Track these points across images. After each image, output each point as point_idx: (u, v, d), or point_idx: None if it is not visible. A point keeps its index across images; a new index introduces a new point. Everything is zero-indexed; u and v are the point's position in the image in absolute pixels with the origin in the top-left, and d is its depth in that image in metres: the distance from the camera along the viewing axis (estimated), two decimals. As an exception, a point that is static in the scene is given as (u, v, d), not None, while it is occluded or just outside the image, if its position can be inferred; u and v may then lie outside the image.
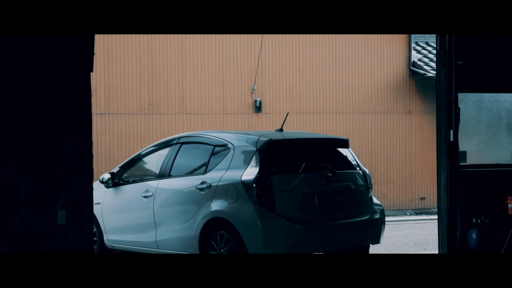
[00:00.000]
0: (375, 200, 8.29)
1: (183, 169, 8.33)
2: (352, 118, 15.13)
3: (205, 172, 7.94)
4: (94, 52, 6.41)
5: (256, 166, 7.43)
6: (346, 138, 8.41)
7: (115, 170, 9.14)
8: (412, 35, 15.69)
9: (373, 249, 10.44)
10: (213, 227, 7.59)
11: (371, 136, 15.29)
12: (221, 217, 7.49)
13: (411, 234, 12.32)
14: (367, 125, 15.26)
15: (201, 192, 7.79)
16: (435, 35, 8.84)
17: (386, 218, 14.56)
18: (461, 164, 8.20)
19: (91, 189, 6.30)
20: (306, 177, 7.62)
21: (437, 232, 8.41)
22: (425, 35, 16.67)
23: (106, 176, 9.05)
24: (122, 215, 8.91)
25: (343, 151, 8.29)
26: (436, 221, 8.47)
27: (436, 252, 9.09)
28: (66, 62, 6.24)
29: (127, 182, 8.94)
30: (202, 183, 7.83)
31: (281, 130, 8.49)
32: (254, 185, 7.31)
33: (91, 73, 6.35)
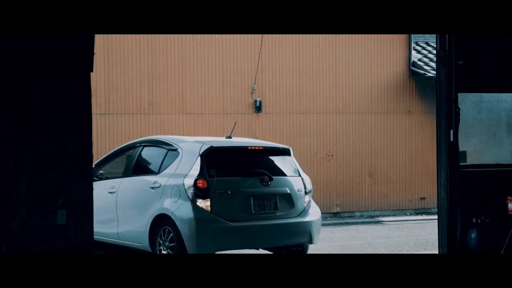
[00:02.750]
0: (314, 204, 9.14)
1: (141, 169, 9.35)
2: (352, 118, 15.13)
3: (158, 172, 8.88)
4: (94, 52, 6.41)
5: (197, 169, 8.33)
6: (288, 147, 9.28)
7: None
8: (412, 35, 15.68)
9: (373, 249, 10.45)
10: (160, 222, 8.50)
11: (371, 136, 15.29)
12: (165, 213, 8.40)
13: (411, 234, 12.32)
14: (367, 125, 15.26)
15: (153, 191, 8.71)
16: (435, 35, 8.83)
17: (386, 218, 14.67)
18: (461, 164, 8.19)
19: (91, 189, 6.30)
20: (243, 180, 8.55)
21: (437, 232, 8.40)
22: (425, 35, 16.66)
23: None
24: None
25: (284, 158, 9.15)
26: (436, 221, 8.47)
27: (436, 252, 9.09)
28: (66, 62, 6.24)
29: (101, 179, 9.89)
30: (154, 182, 8.75)
31: (229, 137, 9.38)
32: (193, 186, 8.22)
33: (91, 73, 6.35)
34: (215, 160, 8.50)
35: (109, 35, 13.28)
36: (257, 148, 9.13)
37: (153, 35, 13.57)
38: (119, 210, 9.31)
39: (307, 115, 14.79)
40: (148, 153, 9.43)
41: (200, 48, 14.01)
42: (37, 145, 6.09)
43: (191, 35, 13.83)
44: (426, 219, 14.48)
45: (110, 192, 9.48)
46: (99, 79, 13.23)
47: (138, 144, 9.61)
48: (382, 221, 14.48)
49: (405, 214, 15.39)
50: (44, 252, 5.91)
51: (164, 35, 13.64)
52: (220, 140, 9.23)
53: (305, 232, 8.78)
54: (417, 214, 15.49)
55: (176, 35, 13.74)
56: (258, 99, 14.35)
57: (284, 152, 9.21)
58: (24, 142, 6.05)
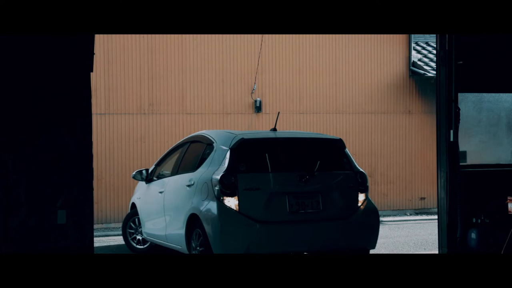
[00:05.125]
0: (370, 204, 7.96)
1: (184, 167, 8.62)
2: (352, 118, 15.13)
3: (195, 169, 8.13)
4: (94, 52, 6.41)
5: (226, 164, 7.51)
6: (338, 138, 8.18)
7: (152, 167, 9.70)
8: (412, 35, 15.68)
9: (373, 249, 10.44)
10: (192, 223, 7.77)
11: (371, 136, 15.29)
12: (195, 213, 7.67)
13: (411, 234, 12.32)
14: (367, 125, 15.26)
15: (188, 189, 8.01)
16: (435, 35, 8.84)
17: (386, 218, 14.67)
18: (461, 164, 8.20)
19: (91, 189, 6.30)
20: (276, 176, 7.54)
21: (437, 232, 8.41)
22: (425, 35, 16.66)
23: (144, 172, 9.66)
24: (149, 208, 9.45)
25: (334, 151, 8.08)
26: (436, 221, 8.47)
27: (436, 252, 9.09)
28: (66, 62, 6.24)
29: (159, 178, 9.34)
30: (190, 180, 8.04)
31: (274, 129, 8.42)
32: (219, 183, 7.37)
33: (91, 73, 6.35)
34: (246, 154, 7.61)
35: (109, 35, 13.28)
36: (297, 140, 8.14)
37: (153, 35, 13.57)
38: (165, 210, 8.73)
39: (307, 115, 14.79)
40: (191, 150, 8.77)
41: (200, 48, 14.01)
42: (37, 145, 6.09)
43: (191, 35, 13.84)
44: (426, 219, 14.48)
45: (160, 192, 8.95)
46: (99, 79, 13.22)
47: (187, 141, 9.04)
48: (382, 221, 14.47)
49: (405, 214, 15.38)
50: (44, 252, 5.91)
51: (164, 35, 13.65)
52: (256, 132, 8.41)
53: (357, 236, 7.72)
54: (417, 214, 15.49)
55: (176, 35, 13.74)
56: (258, 99, 14.35)
57: (334, 144, 8.09)
58: (24, 142, 6.05)
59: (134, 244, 10.02)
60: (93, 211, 6.39)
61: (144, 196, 9.68)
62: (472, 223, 8.10)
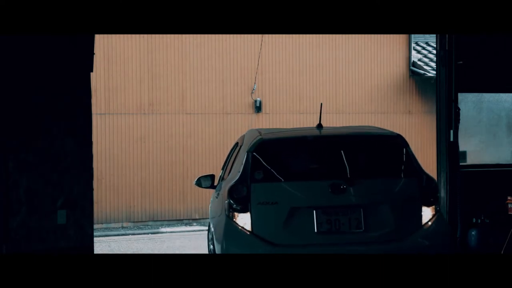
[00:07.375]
0: (440, 221, 6.04)
1: (226, 173, 7.12)
2: (352, 118, 15.13)
3: (227, 176, 6.74)
4: (94, 52, 6.42)
5: (240, 172, 6.02)
6: (395, 135, 6.48)
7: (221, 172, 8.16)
8: (412, 35, 15.69)
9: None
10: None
11: (371, 136, 15.28)
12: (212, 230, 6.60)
13: (411, 234, 12.30)
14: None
15: (216, 201, 6.86)
16: (435, 35, 8.84)
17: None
18: (461, 164, 8.20)
19: (91, 189, 6.31)
20: (298, 186, 5.93)
21: (437, 232, 8.39)
22: (425, 35, 16.67)
23: (207, 178, 7.87)
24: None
25: (387, 151, 6.41)
26: (436, 221, 8.46)
27: (436, 252, 9.07)
28: (66, 62, 6.24)
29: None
30: (217, 189, 7.00)
31: (319, 125, 6.70)
32: (229, 195, 5.92)
33: (91, 73, 6.36)
34: (267, 158, 6.04)
35: (109, 35, 13.28)
36: (337, 138, 6.44)
37: (153, 35, 13.57)
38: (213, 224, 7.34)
39: (307, 115, 14.78)
40: (234, 153, 7.22)
41: (200, 48, 14.00)
42: (37, 145, 6.10)
43: (191, 35, 13.84)
44: (426, 219, 14.45)
45: (211, 202, 7.76)
46: (99, 79, 13.22)
47: (236, 142, 7.52)
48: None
49: (405, 214, 15.36)
50: (44, 252, 5.92)
51: (164, 35, 13.65)
52: (287, 130, 6.87)
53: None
54: (417, 214, 15.47)
55: (176, 35, 13.75)
56: (258, 99, 14.34)
57: (390, 142, 6.41)
58: (24, 142, 6.06)
59: None
60: (93, 211, 6.40)
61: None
62: (472, 223, 8.10)
